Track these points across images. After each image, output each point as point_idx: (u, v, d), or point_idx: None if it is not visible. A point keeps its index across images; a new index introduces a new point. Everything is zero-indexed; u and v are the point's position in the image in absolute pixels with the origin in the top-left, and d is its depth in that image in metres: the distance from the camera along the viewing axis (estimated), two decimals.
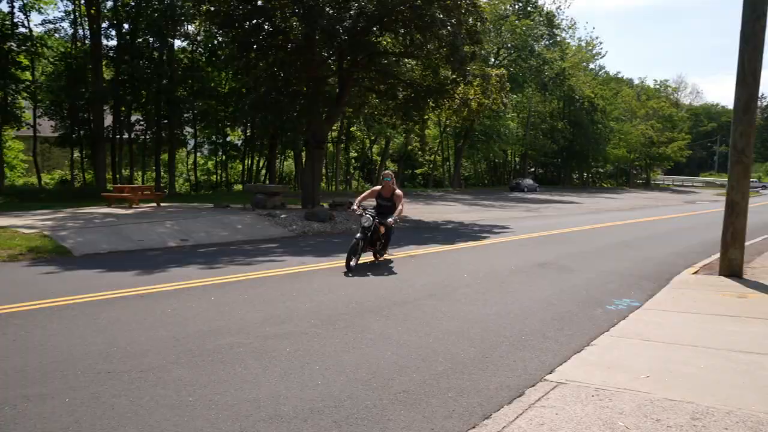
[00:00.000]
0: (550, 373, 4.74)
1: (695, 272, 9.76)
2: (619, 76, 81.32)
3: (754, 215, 17.23)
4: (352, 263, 8.87)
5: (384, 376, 4.57)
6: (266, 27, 19.44)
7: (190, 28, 30.46)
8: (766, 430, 3.54)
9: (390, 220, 9.31)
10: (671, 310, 6.99)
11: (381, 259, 10.03)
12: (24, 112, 28.96)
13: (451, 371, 4.74)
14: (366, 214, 9.26)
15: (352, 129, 42.80)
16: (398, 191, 9.77)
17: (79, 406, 3.87)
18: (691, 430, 3.56)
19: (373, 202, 10.15)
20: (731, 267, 9.09)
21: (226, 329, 5.71)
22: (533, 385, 4.44)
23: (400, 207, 9.57)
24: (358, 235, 9.09)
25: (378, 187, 9.95)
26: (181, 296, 7.22)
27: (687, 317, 6.63)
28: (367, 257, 9.91)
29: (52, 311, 6.34)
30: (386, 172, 9.93)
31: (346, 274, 8.71)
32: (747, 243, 10.19)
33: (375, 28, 18.87)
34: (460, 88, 20.97)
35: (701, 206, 35.49)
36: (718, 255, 10.09)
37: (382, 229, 9.56)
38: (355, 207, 9.60)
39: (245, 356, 4.93)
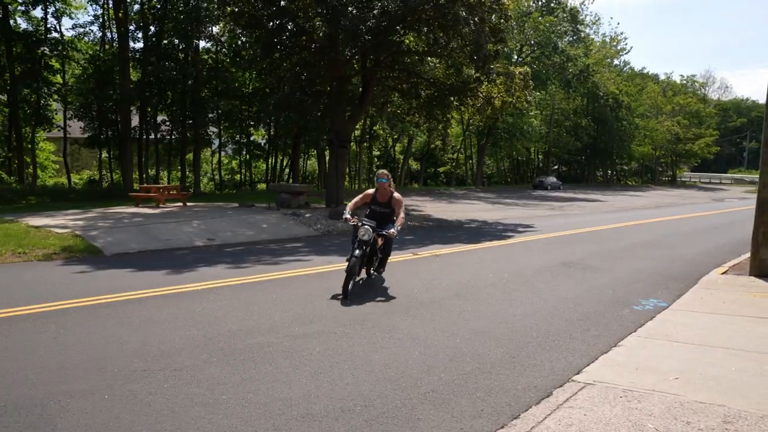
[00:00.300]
0: (578, 373, 4.75)
1: (724, 272, 9.63)
2: (645, 71, 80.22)
3: None
4: (350, 287, 7.27)
5: (412, 375, 4.63)
6: (290, 27, 19.60)
7: (215, 29, 30.84)
8: None
9: (392, 230, 7.56)
10: (700, 311, 6.92)
11: (377, 275, 8.49)
12: (55, 114, 29.65)
13: (479, 371, 4.78)
14: (364, 224, 7.55)
15: (375, 128, 42.88)
16: (397, 195, 8.07)
17: (118, 402, 4.00)
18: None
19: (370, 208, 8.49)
20: (762, 267, 8.94)
21: (255, 329, 5.82)
22: (561, 386, 4.46)
23: (401, 215, 7.86)
24: (356, 252, 7.34)
25: (371, 191, 8.18)
26: (211, 296, 7.36)
27: (716, 318, 6.57)
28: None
29: (88, 310, 6.52)
30: (380, 172, 8.17)
31: (343, 301, 7.06)
32: None
33: (398, 27, 18.90)
34: (483, 87, 20.90)
35: (730, 204, 34.82)
36: (748, 255, 9.95)
37: (381, 241, 7.96)
38: (347, 216, 7.66)
39: (275, 355, 5.02)
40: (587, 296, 7.76)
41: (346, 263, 7.46)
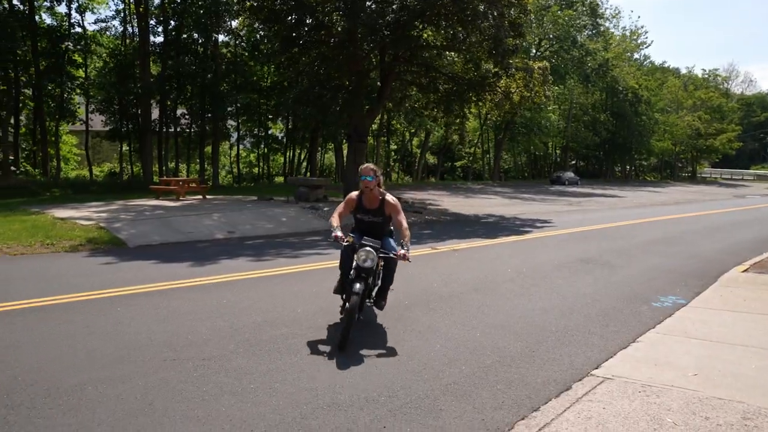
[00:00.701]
0: (597, 368, 4.82)
1: (745, 270, 9.58)
2: (665, 65, 79.09)
3: None
4: (351, 334, 5.20)
5: (434, 367, 4.73)
6: (308, 22, 19.73)
7: (234, 23, 31.07)
8: None
9: (402, 251, 5.39)
10: (720, 309, 6.93)
11: (375, 308, 6.03)
12: (78, 107, 30.14)
13: (499, 364, 4.87)
14: (365, 245, 5.47)
15: (392, 122, 42.91)
16: (390, 198, 5.84)
17: (151, 389, 4.16)
18: (743, 429, 3.61)
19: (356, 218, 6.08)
20: None
21: (280, 320, 5.97)
22: (580, 380, 4.54)
23: (404, 224, 5.62)
24: (356, 287, 5.27)
25: (355, 194, 5.93)
26: (235, 288, 7.53)
27: (736, 316, 6.57)
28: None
29: (116, 300, 6.72)
30: (364, 167, 5.83)
31: (339, 353, 5.02)
32: None
33: (417, 22, 18.93)
34: (502, 82, 20.88)
35: (752, 201, 34.37)
36: None
37: (381, 264, 5.77)
38: (338, 234, 5.49)
39: (300, 347, 5.16)
40: (605, 292, 7.79)
41: (341, 302, 5.81)
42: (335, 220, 5.65)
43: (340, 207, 5.90)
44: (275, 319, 6.02)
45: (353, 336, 5.28)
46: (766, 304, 7.11)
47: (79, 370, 4.49)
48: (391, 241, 5.84)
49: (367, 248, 5.36)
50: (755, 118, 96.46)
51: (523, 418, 3.86)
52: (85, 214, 14.46)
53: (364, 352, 5.07)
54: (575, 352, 5.26)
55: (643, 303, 7.24)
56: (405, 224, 5.59)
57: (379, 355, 5.01)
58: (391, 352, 5.09)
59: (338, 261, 5.91)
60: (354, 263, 5.43)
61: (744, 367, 4.79)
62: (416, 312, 6.45)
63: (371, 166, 5.80)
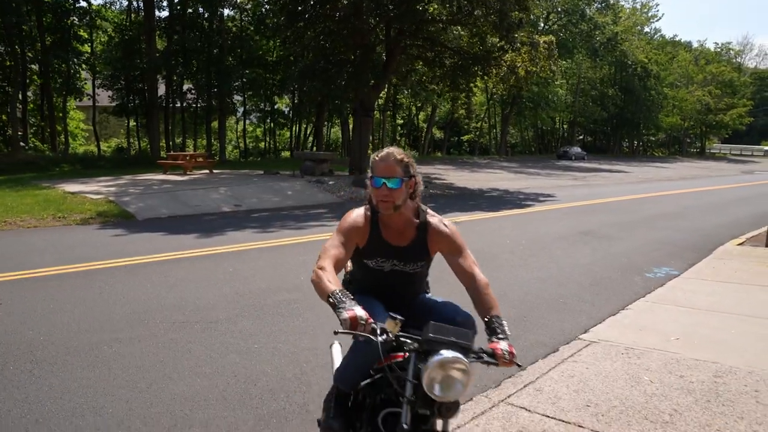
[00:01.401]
0: (585, 332, 5.06)
1: (740, 243, 9.76)
2: (677, 39, 77.86)
3: None
4: None
5: None
6: None
7: None
8: None
9: (502, 344, 2.28)
10: (710, 279, 7.13)
11: None
12: (85, 83, 30.27)
13: None
14: (436, 341, 2.04)
15: (398, 96, 42.80)
16: (437, 221, 2.63)
17: (162, 348, 4.44)
18: (712, 385, 3.85)
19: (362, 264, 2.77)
20: None
21: (283, 287, 6.23)
22: (567, 343, 4.79)
23: (481, 276, 2.52)
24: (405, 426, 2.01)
25: (360, 215, 2.60)
26: (240, 257, 7.80)
27: (726, 287, 6.77)
28: None
29: (127, 269, 7.00)
30: (380, 158, 2.47)
31: None
32: None
33: None
34: (507, 56, 20.81)
35: (759, 177, 34.26)
36: (767, 227, 10.04)
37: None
38: (354, 314, 2.08)
39: (303, 311, 5.42)
40: (602, 263, 8.01)
41: None
42: (328, 275, 2.39)
43: (333, 242, 2.55)
44: (279, 285, 6.28)
45: None
46: (755, 275, 7.31)
47: (95, 331, 4.78)
48: (448, 305, 2.75)
49: (450, 354, 2.03)
50: None
51: (510, 377, 4.10)
52: (95, 189, 14.75)
53: None
54: (566, 318, 5.50)
55: (636, 273, 7.45)
56: (480, 273, 2.54)
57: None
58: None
59: None
60: (407, 389, 2.09)
61: (724, 332, 5.02)
62: None
63: (395, 153, 2.49)
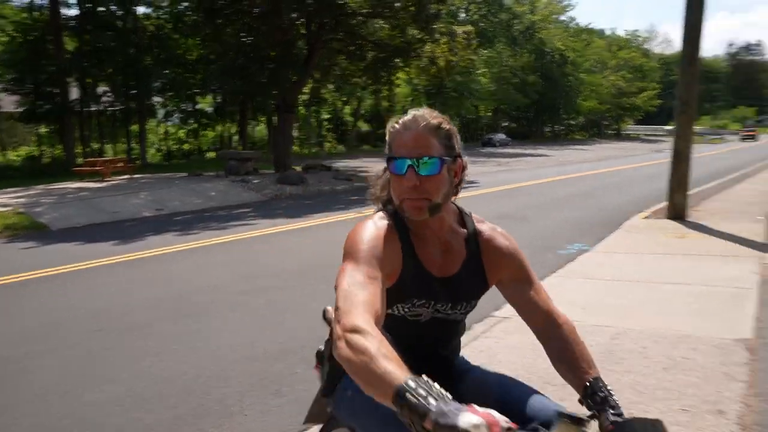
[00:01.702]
0: (497, 310, 5.31)
1: (645, 217, 10.44)
2: (590, 27, 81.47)
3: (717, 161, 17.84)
4: None
5: None
6: None
7: None
8: (666, 341, 4.17)
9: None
10: (616, 252, 7.62)
11: None
12: None
13: None
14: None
15: (322, 91, 42.63)
16: (489, 228, 1.76)
17: (76, 359, 4.34)
18: (608, 346, 4.17)
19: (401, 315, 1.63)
20: (676, 210, 9.78)
21: (204, 288, 6.18)
22: (480, 321, 5.02)
23: (558, 311, 1.68)
24: None
25: (383, 225, 1.49)
26: (161, 261, 7.65)
27: (629, 257, 7.26)
28: None
29: (40, 281, 6.73)
30: (411, 117, 1.47)
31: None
32: (697, 189, 10.89)
33: None
34: (427, 47, 21.20)
35: (668, 155, 36.39)
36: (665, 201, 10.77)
37: None
38: (492, 417, 0.93)
39: (223, 310, 5.41)
40: (517, 243, 8.35)
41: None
42: (376, 343, 1.11)
43: (352, 277, 1.35)
44: (200, 287, 6.23)
45: (277, 294, 5.55)
46: (656, 245, 7.86)
47: (10, 345, 4.63)
48: (534, 394, 1.59)
49: None
50: (674, 77, 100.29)
51: None
52: (2, 201, 13.96)
53: (282, 309, 5.37)
54: (481, 298, 5.73)
55: (549, 251, 7.84)
56: (561, 312, 1.70)
57: (296, 313, 5.31)
58: (307, 309, 5.38)
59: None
60: None
61: (623, 299, 5.41)
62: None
63: (428, 117, 1.50)
